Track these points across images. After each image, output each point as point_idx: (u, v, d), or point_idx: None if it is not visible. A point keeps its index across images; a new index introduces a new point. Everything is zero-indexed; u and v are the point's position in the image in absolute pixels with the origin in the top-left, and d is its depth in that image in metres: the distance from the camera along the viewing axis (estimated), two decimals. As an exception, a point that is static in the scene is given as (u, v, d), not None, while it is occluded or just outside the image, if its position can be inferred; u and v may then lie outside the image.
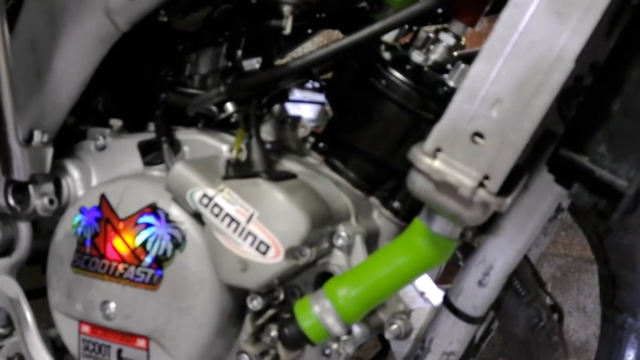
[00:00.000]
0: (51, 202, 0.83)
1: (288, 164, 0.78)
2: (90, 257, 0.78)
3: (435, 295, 0.78)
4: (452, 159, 0.53)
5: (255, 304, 0.72)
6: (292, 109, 0.88)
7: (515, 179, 0.58)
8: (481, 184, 0.52)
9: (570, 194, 0.57)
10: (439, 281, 0.96)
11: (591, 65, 0.61)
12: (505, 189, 0.54)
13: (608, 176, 0.53)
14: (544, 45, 0.50)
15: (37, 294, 0.88)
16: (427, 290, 0.80)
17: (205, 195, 0.71)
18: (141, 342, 0.76)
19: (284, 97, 0.89)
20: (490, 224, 0.68)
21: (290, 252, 0.68)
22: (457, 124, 0.53)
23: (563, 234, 2.15)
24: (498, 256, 0.69)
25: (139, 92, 0.94)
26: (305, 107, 0.91)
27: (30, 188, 0.82)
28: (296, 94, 0.92)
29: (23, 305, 0.85)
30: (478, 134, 0.53)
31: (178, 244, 0.74)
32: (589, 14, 0.50)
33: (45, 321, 0.86)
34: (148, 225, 0.75)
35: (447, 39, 0.76)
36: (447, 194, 0.54)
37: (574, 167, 0.56)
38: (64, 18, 0.78)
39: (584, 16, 0.50)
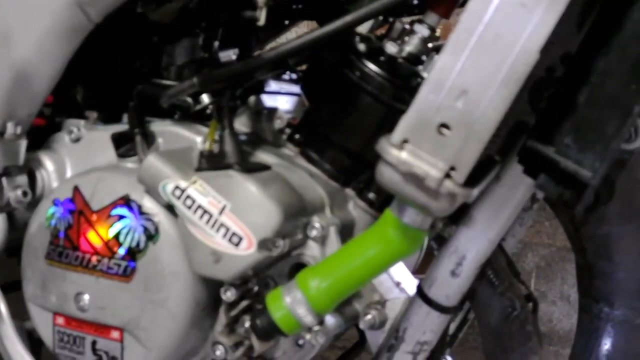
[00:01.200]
0: (25, 194, 0.82)
1: (263, 156, 0.78)
2: (64, 249, 0.78)
3: (411, 286, 0.79)
4: (418, 150, 0.53)
5: (229, 295, 0.72)
6: (268, 100, 0.87)
7: (484, 170, 0.58)
8: (447, 175, 0.53)
9: (537, 185, 0.57)
10: (417, 272, 0.97)
11: (562, 56, 0.62)
12: (472, 180, 0.54)
13: (573, 167, 0.53)
14: (509, 37, 0.50)
15: (14, 287, 0.88)
16: (403, 281, 0.81)
17: (177, 187, 0.70)
18: (115, 334, 0.76)
19: (259, 89, 0.88)
20: (461, 215, 0.69)
21: (263, 244, 0.68)
22: (423, 115, 0.53)
23: (547, 224, 2.17)
24: (470, 246, 0.70)
25: (114, 84, 0.93)
26: (281, 98, 0.91)
27: (3, 180, 0.81)
28: (272, 85, 0.92)
29: (-3, 298, 0.84)
30: (444, 125, 0.53)
31: (151, 235, 0.73)
32: (553, 5, 0.50)
33: (24, 313, 0.86)
34: (121, 217, 0.75)
35: (422, 31, 0.76)
36: (415, 185, 0.54)
37: (541, 158, 0.56)
38: (35, 9, 0.78)
39: (549, 7, 0.50)
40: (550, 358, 2.07)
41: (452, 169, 0.53)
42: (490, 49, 0.50)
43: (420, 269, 1.00)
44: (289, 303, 0.65)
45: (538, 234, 2.18)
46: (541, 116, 0.61)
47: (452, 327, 0.92)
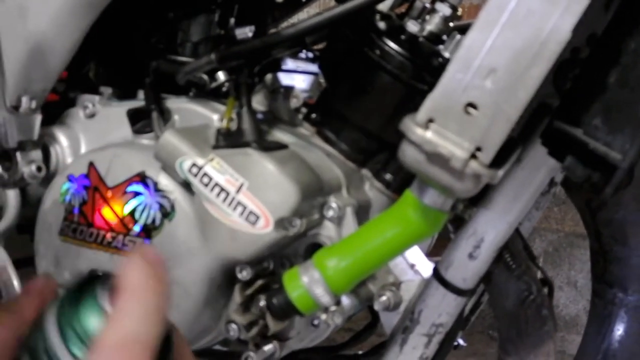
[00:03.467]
0: (39, 169, 0.82)
1: (279, 135, 0.77)
2: (78, 225, 0.78)
3: (426, 268, 0.78)
4: (444, 130, 0.52)
5: (244, 274, 0.72)
6: (285, 78, 0.86)
7: (508, 152, 0.57)
8: (473, 156, 0.52)
9: (564, 167, 0.56)
10: (431, 254, 0.96)
11: (588, 37, 0.60)
12: (497, 161, 0.53)
13: (602, 149, 0.52)
14: (541, 14, 0.49)
15: (25, 263, 0.88)
16: (417, 263, 0.80)
17: (194, 165, 0.70)
18: (130, 311, 0.76)
19: (276, 67, 0.87)
20: (482, 197, 0.68)
21: (280, 223, 0.68)
22: (450, 94, 0.52)
23: (556, 209, 2.16)
24: (489, 229, 0.69)
25: (130, 60, 0.92)
26: (298, 77, 0.90)
27: (18, 155, 0.80)
28: (289, 63, 0.90)
29: (10, 273, 0.84)
30: (471, 105, 0.52)
31: (167, 213, 0.73)
32: (588, -18, 0.48)
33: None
34: (137, 194, 0.74)
35: (444, 9, 0.75)
36: (439, 166, 0.53)
37: (568, 140, 0.55)
38: (52, -19, 0.77)
39: (583, -16, 0.49)
40: (556, 343, 2.07)
41: (478, 149, 0.52)
42: (522, 26, 0.49)
43: (433, 252, 1.00)
44: (307, 282, 0.64)
45: (546, 219, 2.17)
46: (567, 97, 0.60)
47: (466, 310, 0.91)
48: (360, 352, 0.98)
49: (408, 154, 0.54)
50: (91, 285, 0.38)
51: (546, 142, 0.61)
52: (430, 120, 0.53)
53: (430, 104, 0.53)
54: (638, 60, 0.53)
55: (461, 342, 0.94)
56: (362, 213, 0.76)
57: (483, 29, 0.50)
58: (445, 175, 0.53)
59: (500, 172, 0.54)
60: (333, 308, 0.70)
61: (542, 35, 0.49)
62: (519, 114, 0.51)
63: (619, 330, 0.83)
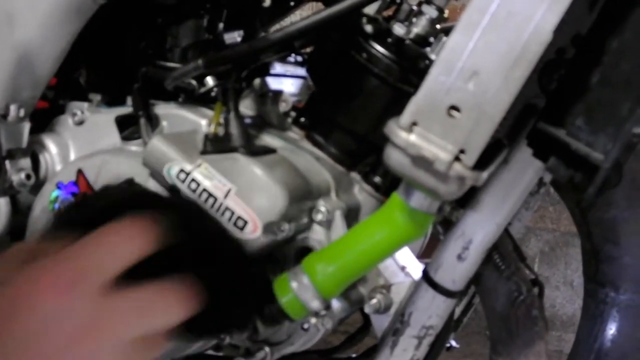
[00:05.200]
0: (28, 177, 0.82)
1: (268, 139, 0.77)
2: (68, 233, 0.77)
3: (417, 270, 0.78)
4: (428, 133, 0.52)
5: (234, 279, 0.72)
6: (274, 83, 0.86)
7: (494, 153, 0.57)
8: (457, 158, 0.52)
9: (547, 168, 0.56)
10: (422, 256, 0.96)
11: (573, 37, 0.61)
12: (482, 163, 0.53)
13: (584, 149, 0.52)
14: (522, 16, 0.49)
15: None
16: (408, 265, 0.80)
17: (182, 170, 0.70)
18: (120, 318, 0.76)
19: (265, 71, 0.87)
20: (469, 198, 0.68)
21: (269, 228, 0.68)
22: (433, 97, 0.52)
23: (551, 209, 2.16)
24: (477, 230, 0.69)
25: (118, 66, 0.92)
26: (286, 81, 0.90)
27: (7, 163, 0.80)
28: (278, 67, 0.91)
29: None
30: (454, 108, 0.52)
31: (156, 219, 0.73)
32: (567, -17, 0.49)
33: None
34: (126, 200, 0.74)
35: (430, 12, 0.75)
36: (423, 169, 0.53)
37: (551, 141, 0.55)
38: (39, -11, 0.77)
39: (563, -14, 0.49)
40: (552, 343, 2.07)
41: (462, 152, 0.52)
42: (503, 28, 0.49)
43: (424, 253, 1.00)
44: (296, 288, 0.64)
45: (542, 219, 2.18)
46: (551, 98, 0.60)
47: (457, 312, 0.92)
48: (353, 355, 0.98)
49: (393, 158, 0.55)
50: None
51: (531, 143, 0.61)
52: (414, 124, 0.53)
53: (413, 107, 0.53)
54: (620, 60, 0.53)
55: (454, 343, 0.94)
56: (352, 216, 0.76)
57: (465, 31, 0.51)
58: (430, 178, 0.53)
59: (485, 174, 0.54)
60: (323, 312, 0.70)
61: (524, 37, 0.49)
62: (502, 115, 0.51)
63: (612, 329, 0.83)
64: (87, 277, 0.39)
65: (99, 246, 0.41)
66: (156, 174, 0.72)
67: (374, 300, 0.71)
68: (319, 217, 0.72)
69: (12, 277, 0.39)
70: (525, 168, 0.68)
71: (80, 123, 0.84)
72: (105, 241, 0.41)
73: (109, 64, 0.93)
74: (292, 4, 1.01)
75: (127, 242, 0.41)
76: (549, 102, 0.60)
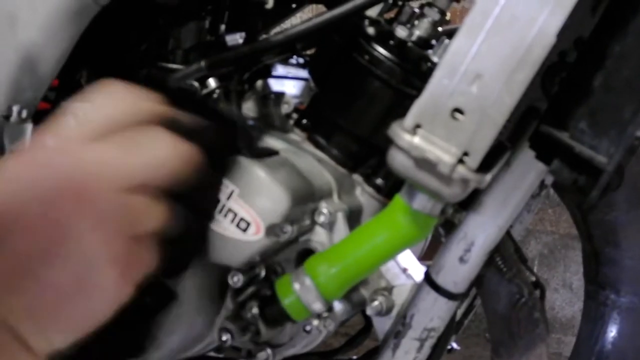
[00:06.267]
0: (30, 178, 0.82)
1: (270, 141, 0.77)
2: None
3: (418, 272, 0.78)
4: (431, 136, 0.53)
5: (236, 280, 0.72)
6: (276, 85, 0.87)
7: (496, 156, 0.57)
8: (461, 161, 0.52)
9: (550, 170, 0.56)
10: (423, 258, 0.96)
11: (575, 41, 0.61)
12: (485, 166, 0.54)
13: (588, 152, 0.52)
14: (526, 19, 0.50)
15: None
16: (409, 267, 0.80)
17: (185, 172, 0.70)
18: (122, 319, 0.76)
19: (267, 73, 0.87)
20: (471, 201, 0.68)
21: (271, 229, 0.68)
22: (436, 99, 0.52)
23: (550, 212, 2.17)
24: (479, 233, 0.69)
25: (120, 67, 0.92)
26: (288, 83, 0.90)
27: (9, 164, 0.80)
28: (280, 69, 0.91)
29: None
30: (458, 110, 0.52)
31: (158, 220, 0.73)
32: (571, -13, 0.49)
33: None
34: (128, 202, 0.74)
35: (432, 14, 0.75)
36: (427, 171, 0.53)
37: (555, 143, 0.55)
38: (41, -10, 0.77)
39: (566, -11, 0.49)
40: (552, 345, 2.07)
41: (465, 154, 0.52)
42: (506, 31, 0.49)
43: (426, 255, 1.00)
44: (298, 290, 0.64)
45: (541, 222, 2.18)
46: (554, 101, 0.60)
47: (458, 314, 0.92)
48: (354, 357, 0.98)
49: (396, 160, 0.55)
50: None
51: (534, 145, 0.61)
52: (418, 126, 0.53)
53: (417, 110, 0.53)
54: (623, 64, 0.53)
55: (455, 345, 0.94)
56: (354, 218, 0.76)
57: (468, 34, 0.51)
58: (433, 181, 0.53)
59: (488, 177, 0.54)
60: (325, 314, 0.70)
61: (527, 40, 0.49)
62: (505, 118, 0.51)
63: (612, 331, 0.83)
64: (72, 132, 0.36)
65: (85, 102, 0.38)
66: (158, 176, 0.72)
67: (376, 302, 0.71)
68: (321, 219, 0.72)
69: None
70: (527, 170, 0.68)
71: (82, 124, 0.84)
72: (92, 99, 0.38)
73: (111, 65, 0.93)
74: (294, 6, 1.01)
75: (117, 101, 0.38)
76: (552, 105, 0.60)
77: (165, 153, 0.38)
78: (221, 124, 0.42)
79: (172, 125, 0.40)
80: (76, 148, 0.36)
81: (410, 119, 0.53)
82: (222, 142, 0.42)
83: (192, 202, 0.40)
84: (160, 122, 0.39)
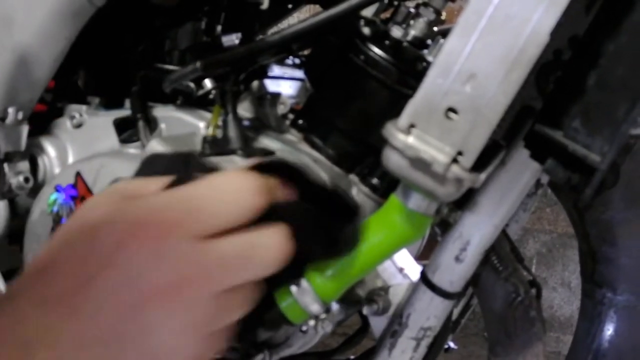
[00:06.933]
0: (26, 180, 0.82)
1: (266, 141, 0.78)
2: (66, 236, 0.78)
3: (415, 271, 0.78)
4: (426, 135, 0.53)
5: (233, 281, 0.72)
6: (272, 85, 0.87)
7: (491, 155, 0.57)
8: (455, 160, 0.52)
9: (544, 169, 0.56)
10: (420, 257, 0.96)
11: (570, 39, 0.61)
12: (479, 165, 0.54)
13: (581, 151, 0.52)
14: (520, 18, 0.50)
15: (16, 274, 0.88)
16: (406, 266, 0.80)
17: (181, 173, 0.70)
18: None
19: (262, 74, 0.88)
20: (466, 200, 0.68)
21: (267, 230, 0.68)
22: (430, 99, 0.52)
23: (548, 210, 2.17)
24: (475, 232, 0.69)
25: (117, 69, 0.92)
26: (285, 83, 0.90)
27: (5, 166, 0.81)
28: (276, 70, 0.91)
29: (0, 285, 0.84)
30: (452, 110, 0.52)
31: (155, 221, 0.73)
32: (564, -14, 0.49)
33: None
34: (124, 203, 0.74)
35: (428, 14, 0.75)
36: (421, 170, 0.53)
37: (549, 142, 0.55)
38: (37, -8, 0.77)
39: (560, -11, 0.49)
40: (550, 344, 2.08)
41: (460, 153, 0.52)
42: (500, 31, 0.50)
43: (422, 255, 1.00)
44: (295, 292, 0.64)
45: (539, 221, 2.18)
46: (549, 100, 0.60)
47: (455, 313, 0.92)
48: (352, 357, 0.98)
49: (391, 160, 0.55)
50: None
51: (528, 144, 0.61)
52: (412, 126, 0.53)
53: (411, 109, 0.53)
54: (617, 62, 0.53)
55: (452, 345, 0.94)
56: (350, 218, 0.76)
57: (462, 34, 0.51)
58: (428, 180, 0.53)
59: (482, 176, 0.54)
60: (323, 316, 0.70)
61: (521, 39, 0.50)
62: (500, 118, 0.51)
63: (609, 330, 0.83)
64: (185, 225, 0.35)
65: (210, 192, 0.36)
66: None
67: (373, 302, 0.71)
68: (317, 219, 0.71)
69: (106, 222, 0.34)
70: (522, 170, 0.68)
71: (79, 126, 0.84)
72: (218, 189, 0.37)
73: (107, 66, 0.93)
74: (290, 6, 1.01)
75: (241, 195, 0.37)
76: (546, 104, 0.60)
77: (274, 255, 0.39)
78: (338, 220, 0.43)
79: (283, 215, 0.40)
80: (192, 243, 0.36)
81: (404, 118, 0.53)
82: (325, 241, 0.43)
83: None
84: (274, 212, 0.40)
